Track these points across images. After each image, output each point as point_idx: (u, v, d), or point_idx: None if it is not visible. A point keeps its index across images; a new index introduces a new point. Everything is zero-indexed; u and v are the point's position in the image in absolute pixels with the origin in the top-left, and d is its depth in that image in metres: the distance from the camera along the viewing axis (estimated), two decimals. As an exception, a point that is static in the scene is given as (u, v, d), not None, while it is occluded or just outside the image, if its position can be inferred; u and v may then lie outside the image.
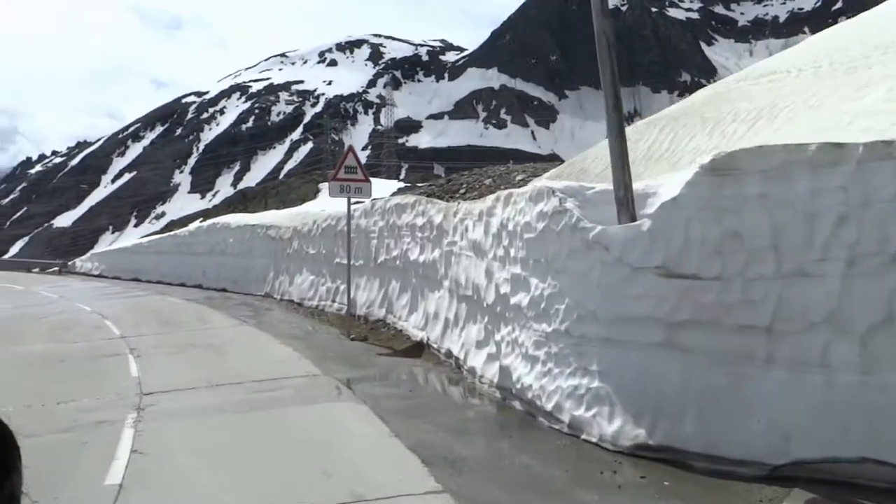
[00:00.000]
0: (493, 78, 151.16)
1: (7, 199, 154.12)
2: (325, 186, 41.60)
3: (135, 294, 22.74)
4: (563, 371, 6.23)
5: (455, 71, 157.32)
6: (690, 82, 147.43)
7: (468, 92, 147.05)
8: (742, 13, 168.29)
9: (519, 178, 15.33)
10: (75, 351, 11.81)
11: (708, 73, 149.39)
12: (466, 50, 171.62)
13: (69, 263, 41.09)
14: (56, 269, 42.63)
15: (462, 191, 16.28)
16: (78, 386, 8.89)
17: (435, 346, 9.98)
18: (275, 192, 42.64)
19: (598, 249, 5.88)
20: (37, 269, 46.55)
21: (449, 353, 9.27)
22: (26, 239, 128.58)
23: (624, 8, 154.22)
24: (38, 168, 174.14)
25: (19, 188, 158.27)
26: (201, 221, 37.18)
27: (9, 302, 21.64)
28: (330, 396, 7.96)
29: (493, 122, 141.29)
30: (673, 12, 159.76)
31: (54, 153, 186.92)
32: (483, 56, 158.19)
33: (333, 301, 15.24)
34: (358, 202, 13.32)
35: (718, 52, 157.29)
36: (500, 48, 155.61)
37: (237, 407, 7.51)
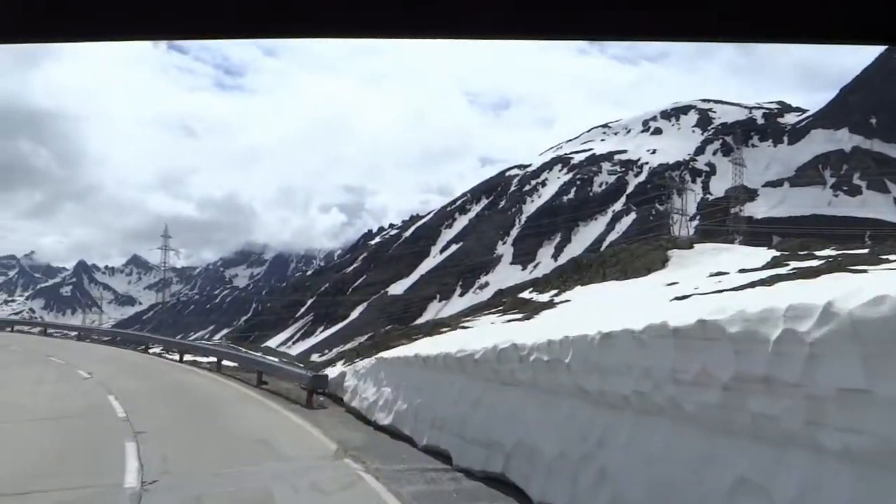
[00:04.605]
0: (842, 139, 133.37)
1: (350, 268, 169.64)
2: (674, 254, 35.62)
3: None
4: None
5: (796, 133, 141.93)
6: None
7: (812, 156, 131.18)
8: None
9: None
10: None
11: None
12: (807, 111, 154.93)
13: (328, 377, 18.43)
14: (303, 386, 18.13)
15: None
16: None
17: None
18: (614, 261, 37.56)
19: None
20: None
21: None
22: (364, 305, 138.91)
23: None
24: (377, 239, 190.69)
25: (360, 258, 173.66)
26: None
27: None
28: None
29: (845, 188, 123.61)
30: None
31: (391, 226, 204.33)
32: (830, 116, 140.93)
33: None
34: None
35: None
36: (850, 106, 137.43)
37: None
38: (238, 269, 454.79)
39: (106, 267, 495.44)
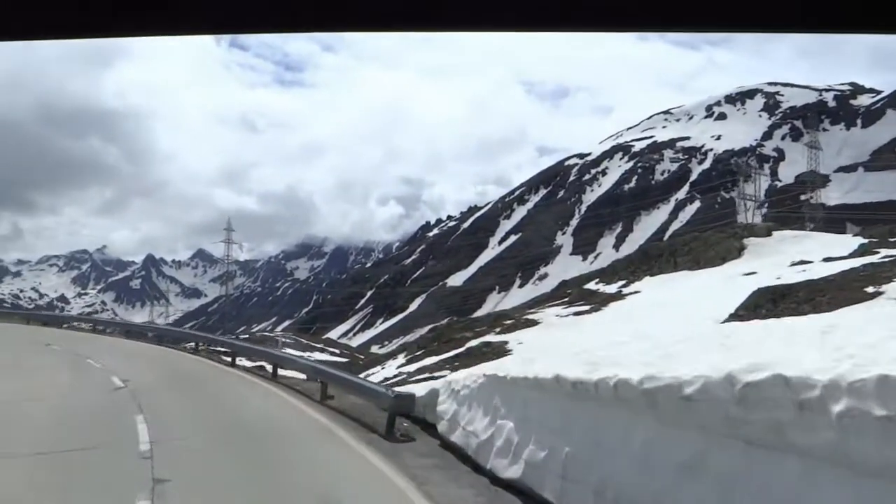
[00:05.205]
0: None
1: (409, 260, 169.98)
2: (751, 241, 33.80)
3: None
4: None
5: (870, 116, 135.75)
6: None
7: (889, 139, 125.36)
8: None
9: None
10: None
11: None
12: (882, 92, 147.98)
13: (415, 397, 13.07)
14: (382, 408, 13.18)
15: None
16: None
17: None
18: (685, 250, 35.89)
19: None
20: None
21: None
22: (423, 297, 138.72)
23: None
24: (435, 231, 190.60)
25: (419, 249, 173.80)
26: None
27: None
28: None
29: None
30: None
31: (449, 217, 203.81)
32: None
33: None
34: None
35: None
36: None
37: None
38: (299, 262, 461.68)
39: (173, 261, 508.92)
